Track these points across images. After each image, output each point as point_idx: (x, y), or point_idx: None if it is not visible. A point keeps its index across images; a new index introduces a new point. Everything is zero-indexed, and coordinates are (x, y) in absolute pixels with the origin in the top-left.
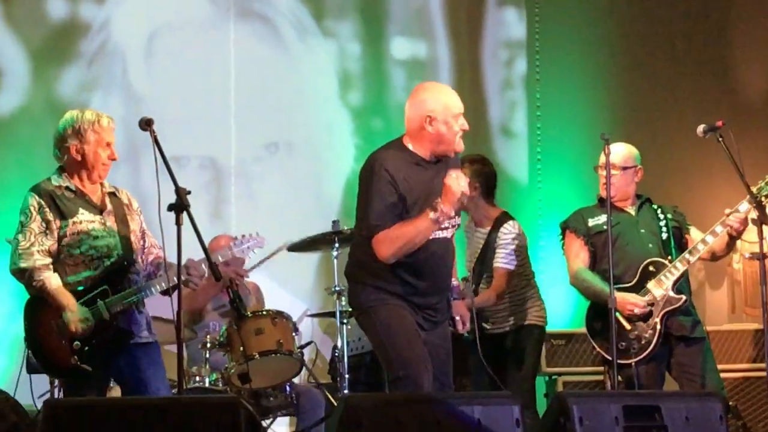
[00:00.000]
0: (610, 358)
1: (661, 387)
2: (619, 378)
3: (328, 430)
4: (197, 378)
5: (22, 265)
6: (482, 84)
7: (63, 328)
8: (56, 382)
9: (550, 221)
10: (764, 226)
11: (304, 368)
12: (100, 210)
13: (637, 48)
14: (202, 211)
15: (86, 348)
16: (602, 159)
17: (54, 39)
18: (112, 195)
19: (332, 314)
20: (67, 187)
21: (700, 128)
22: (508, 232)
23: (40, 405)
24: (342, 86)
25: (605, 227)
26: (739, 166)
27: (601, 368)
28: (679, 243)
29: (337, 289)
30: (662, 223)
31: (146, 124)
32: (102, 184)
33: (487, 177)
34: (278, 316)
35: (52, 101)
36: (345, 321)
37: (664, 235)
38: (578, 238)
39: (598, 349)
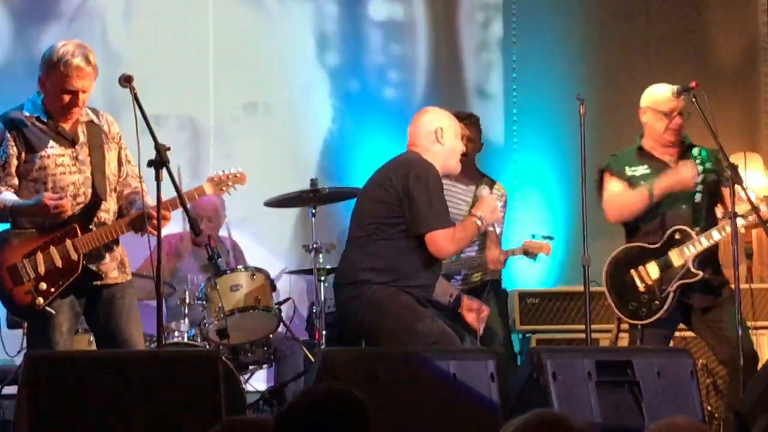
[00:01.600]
0: (621, 316)
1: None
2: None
3: (306, 385)
4: (176, 333)
5: None
6: (458, 46)
7: (29, 268)
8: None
9: (526, 183)
10: (736, 186)
11: (281, 324)
12: (72, 142)
13: (612, 10)
14: (181, 170)
15: (52, 289)
16: (676, 104)
17: None
18: (90, 123)
19: (310, 272)
20: (38, 117)
21: (675, 89)
22: (501, 194)
23: (18, 360)
24: (319, 47)
25: (642, 182)
26: (713, 126)
27: (573, 326)
28: (712, 203)
29: (315, 246)
30: (698, 179)
31: (126, 80)
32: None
33: (480, 134)
34: (256, 272)
35: (33, 61)
36: (323, 278)
37: (698, 197)
38: (616, 177)
39: (611, 305)
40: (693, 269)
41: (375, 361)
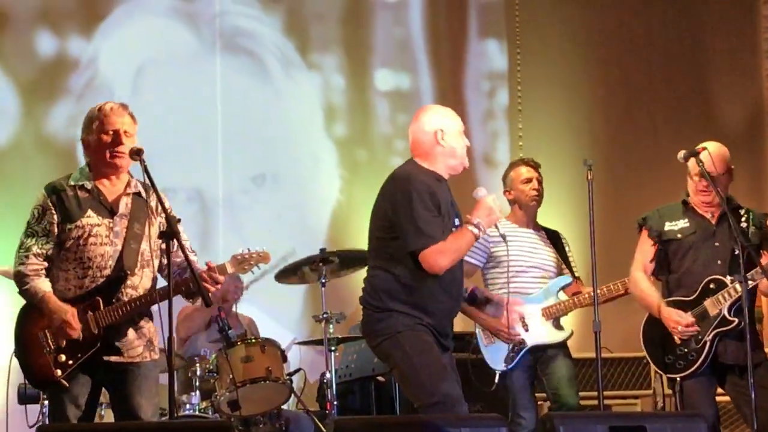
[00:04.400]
0: (658, 372)
1: (713, 400)
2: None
3: None
4: (187, 405)
5: (17, 267)
6: (465, 114)
7: (50, 339)
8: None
9: None
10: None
11: (292, 395)
12: (111, 212)
13: (617, 77)
14: (191, 242)
15: (70, 362)
16: (702, 165)
17: (43, 75)
18: (137, 196)
19: (320, 342)
20: (82, 186)
21: (681, 154)
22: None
23: None
24: (327, 118)
25: (680, 236)
26: (720, 191)
27: (586, 393)
28: (751, 258)
29: (325, 316)
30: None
31: (136, 153)
32: (129, 183)
33: None
34: (267, 343)
35: (41, 137)
36: (333, 348)
37: (737, 251)
38: (650, 238)
39: (648, 360)
40: (729, 316)
41: (388, 430)
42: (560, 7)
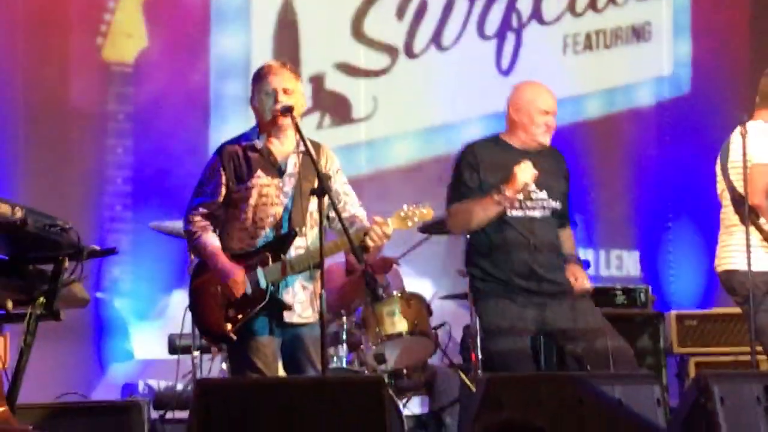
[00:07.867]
0: None
1: None
2: None
3: (462, 411)
4: (334, 358)
5: (186, 226)
6: None
7: (220, 294)
8: (198, 362)
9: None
10: None
11: (437, 349)
12: (280, 172)
13: None
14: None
15: (239, 316)
16: None
17: None
18: (305, 155)
19: (464, 296)
20: (252, 146)
21: None
22: None
23: (181, 385)
24: None
25: None
26: None
27: (734, 348)
28: None
29: None
30: None
31: (287, 110)
32: (301, 141)
33: None
34: (412, 297)
35: (189, 90)
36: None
37: None
38: None
39: None
40: None
41: (539, 386)
42: None
